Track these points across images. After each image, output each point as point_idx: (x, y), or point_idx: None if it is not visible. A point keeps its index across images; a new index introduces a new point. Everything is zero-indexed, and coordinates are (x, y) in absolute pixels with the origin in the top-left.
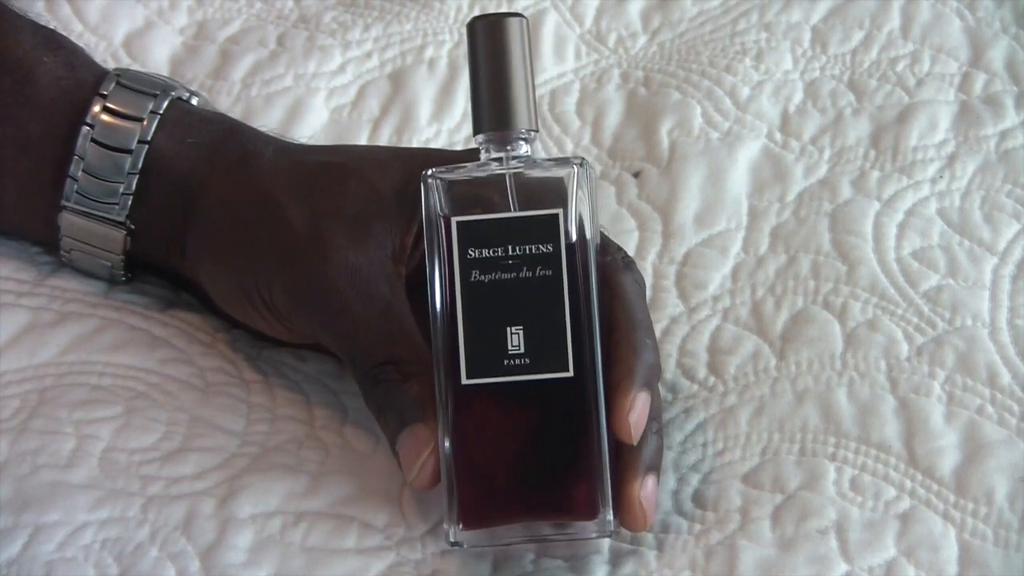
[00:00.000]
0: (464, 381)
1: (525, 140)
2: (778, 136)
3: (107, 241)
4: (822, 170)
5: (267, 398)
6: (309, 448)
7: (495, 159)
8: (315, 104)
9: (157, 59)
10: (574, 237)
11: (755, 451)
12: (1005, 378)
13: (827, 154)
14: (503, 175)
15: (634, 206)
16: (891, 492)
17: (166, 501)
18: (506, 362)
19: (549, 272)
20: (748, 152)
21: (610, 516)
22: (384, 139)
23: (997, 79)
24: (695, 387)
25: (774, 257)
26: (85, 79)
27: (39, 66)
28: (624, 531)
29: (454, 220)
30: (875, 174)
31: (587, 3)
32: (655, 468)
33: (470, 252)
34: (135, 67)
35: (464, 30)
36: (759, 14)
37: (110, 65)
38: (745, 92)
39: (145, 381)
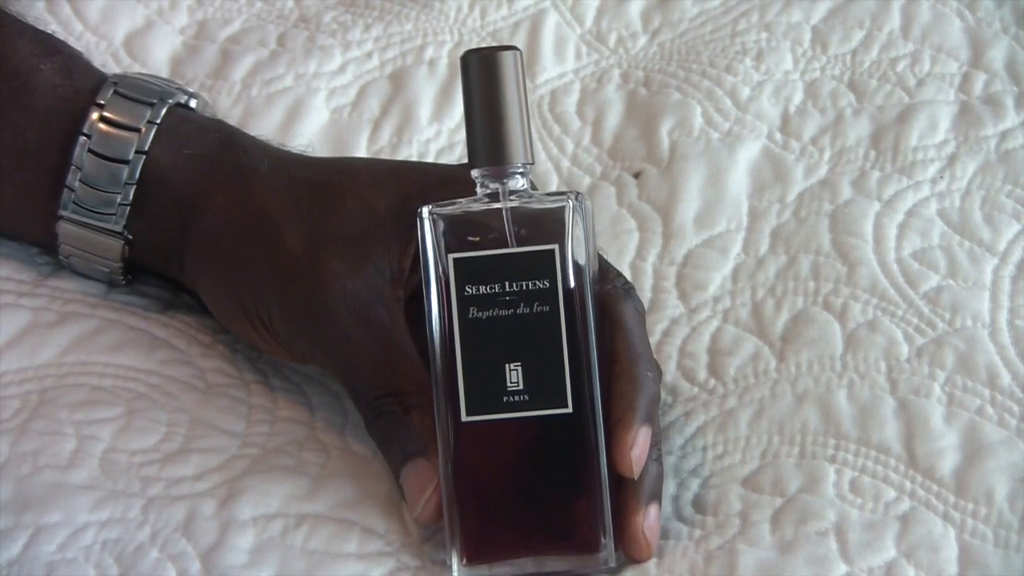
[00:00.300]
0: (464, 419)
1: (521, 174)
2: (778, 136)
3: (105, 250)
4: (822, 170)
5: (268, 400)
6: (310, 450)
7: (490, 194)
8: (315, 104)
9: (157, 59)
10: (571, 272)
11: (755, 454)
12: (1005, 379)
13: (827, 154)
14: (499, 211)
15: (634, 207)
16: (891, 493)
17: (167, 502)
18: (505, 399)
19: (546, 308)
20: (748, 152)
21: (611, 548)
22: (384, 139)
23: (997, 79)
24: (695, 389)
25: (774, 258)
26: (83, 86)
27: (36, 74)
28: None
29: (451, 257)
30: (875, 174)
31: (587, 3)
32: (656, 497)
33: (467, 289)
34: (135, 67)
35: (464, 30)
36: (759, 14)
37: (111, 66)
38: (745, 92)
39: (145, 382)
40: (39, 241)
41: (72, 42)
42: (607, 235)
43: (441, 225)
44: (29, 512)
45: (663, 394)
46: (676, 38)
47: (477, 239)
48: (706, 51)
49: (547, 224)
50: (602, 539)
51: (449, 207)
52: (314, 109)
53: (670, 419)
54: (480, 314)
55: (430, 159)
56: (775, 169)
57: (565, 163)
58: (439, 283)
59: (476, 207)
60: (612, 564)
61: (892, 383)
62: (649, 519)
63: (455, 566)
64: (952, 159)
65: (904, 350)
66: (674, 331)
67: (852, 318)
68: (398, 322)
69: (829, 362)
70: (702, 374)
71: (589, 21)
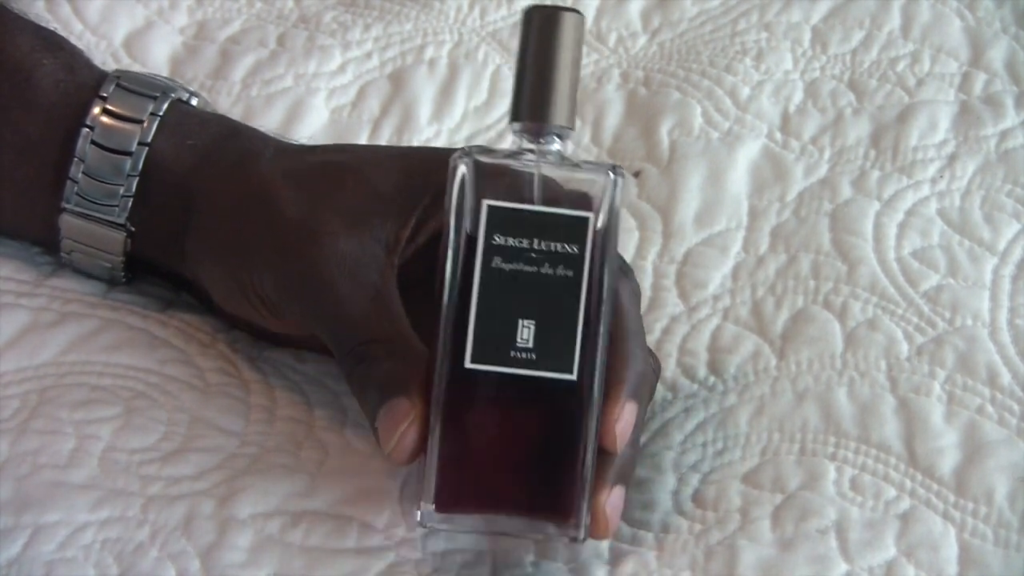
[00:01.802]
0: (467, 365)
1: (559, 136)
2: (778, 136)
3: (107, 243)
4: (822, 170)
5: (267, 398)
6: (309, 448)
7: (527, 149)
8: (315, 104)
9: (157, 59)
10: (599, 244)
11: (755, 451)
12: (1005, 378)
13: (827, 154)
14: (533, 168)
15: (634, 206)
16: (891, 492)
17: (166, 501)
18: (512, 354)
19: (571, 273)
20: (748, 152)
21: (583, 522)
22: (384, 139)
23: (997, 79)
24: (695, 386)
25: (774, 257)
26: (85, 81)
27: (38, 68)
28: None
29: (485, 203)
30: (875, 174)
31: (587, 3)
32: (625, 479)
33: (496, 238)
34: (135, 67)
35: (464, 30)
36: (759, 14)
37: (110, 65)
38: (745, 92)
39: (145, 381)
40: (40, 238)
41: (72, 41)
42: None
43: (474, 168)
44: (29, 511)
45: (663, 391)
46: (676, 38)
47: (508, 188)
48: (706, 51)
49: (578, 192)
50: (575, 511)
51: (487, 153)
52: (314, 109)
53: (670, 415)
54: (504, 265)
55: None
56: (775, 168)
57: None
58: (465, 227)
59: (513, 161)
60: (581, 537)
61: (892, 382)
62: (613, 499)
63: (424, 510)
64: (952, 159)
65: (904, 349)
66: (674, 329)
67: (852, 317)
68: (389, 286)
69: (829, 360)
70: (702, 372)
71: (589, 21)
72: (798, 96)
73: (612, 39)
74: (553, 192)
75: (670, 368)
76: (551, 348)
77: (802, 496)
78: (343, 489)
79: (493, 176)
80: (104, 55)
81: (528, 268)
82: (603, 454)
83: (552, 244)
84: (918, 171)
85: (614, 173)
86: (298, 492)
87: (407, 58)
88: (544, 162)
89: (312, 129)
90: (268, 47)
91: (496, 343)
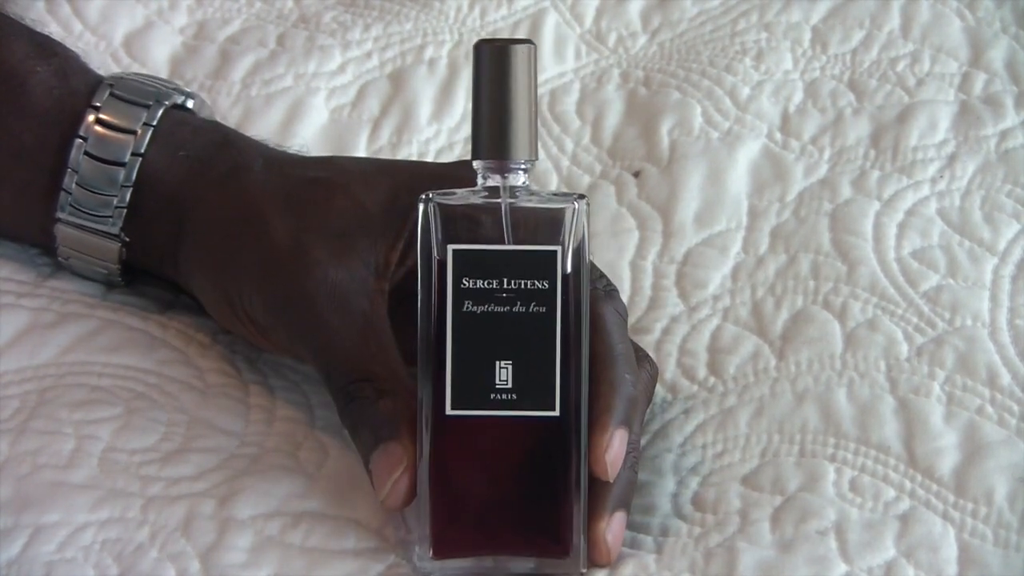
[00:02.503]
0: (448, 412)
1: (524, 170)
2: (778, 136)
3: (102, 252)
4: (822, 170)
5: (267, 399)
6: (308, 449)
7: (491, 188)
8: (315, 104)
9: (157, 59)
10: (570, 275)
11: (755, 452)
12: (1005, 378)
13: (827, 154)
14: (499, 205)
15: (634, 206)
16: (890, 493)
17: (166, 502)
18: (492, 396)
19: (543, 309)
20: (748, 152)
21: (583, 555)
22: (384, 139)
23: (997, 79)
24: (695, 387)
25: (774, 257)
26: (78, 88)
27: (32, 76)
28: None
29: (450, 248)
30: (875, 174)
31: (587, 3)
32: (624, 504)
33: (464, 281)
34: (135, 67)
35: (463, 30)
36: (759, 14)
37: (110, 66)
38: (745, 92)
39: (144, 382)
40: (37, 242)
41: (71, 42)
42: (607, 234)
43: (440, 213)
44: (28, 512)
45: (662, 391)
46: (676, 38)
47: (476, 230)
48: (706, 51)
49: (547, 224)
50: (572, 545)
51: (450, 197)
52: (314, 109)
53: (670, 417)
54: (475, 308)
55: (429, 159)
56: (775, 168)
57: (565, 162)
58: (434, 272)
59: (476, 199)
60: (582, 570)
61: (892, 382)
62: (613, 526)
63: (422, 559)
64: (952, 159)
65: (904, 349)
66: (674, 329)
67: (852, 317)
68: (378, 313)
69: (829, 361)
70: (702, 372)
71: (589, 21)
72: (798, 96)
73: (612, 39)
74: (525, 223)
75: (670, 369)
76: (531, 387)
77: (802, 497)
78: (342, 490)
79: (458, 219)
80: (104, 55)
81: (500, 308)
82: (601, 482)
83: (521, 282)
84: (918, 171)
85: (579, 201)
86: (298, 493)
87: (407, 58)
88: (510, 198)
89: (312, 129)
90: (268, 47)
91: (475, 387)
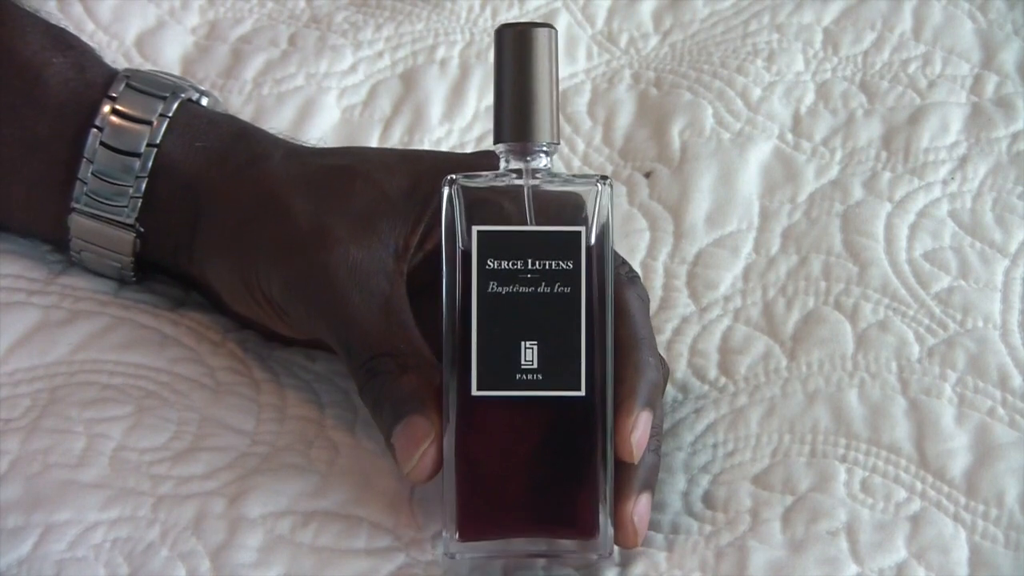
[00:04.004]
0: (474, 392)
1: (546, 153)
2: (789, 137)
3: (116, 243)
4: (833, 171)
5: (277, 397)
6: (319, 448)
7: (514, 170)
8: (327, 103)
9: (169, 58)
10: (594, 255)
11: (765, 452)
12: (1016, 380)
13: (838, 155)
14: (522, 187)
15: (645, 206)
16: (902, 494)
17: (176, 501)
18: (518, 376)
19: (568, 289)
20: (759, 153)
21: (609, 536)
22: (395, 138)
23: (1009, 81)
24: (706, 387)
25: (785, 258)
26: (95, 80)
27: (48, 67)
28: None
29: (475, 229)
30: (886, 175)
31: (599, 4)
32: (650, 486)
33: (489, 262)
34: (147, 66)
35: (475, 30)
36: (771, 15)
37: (122, 65)
38: (757, 93)
39: (155, 380)
40: (50, 237)
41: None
42: (618, 234)
43: (464, 195)
44: (39, 511)
45: (673, 391)
46: (687, 39)
47: (499, 213)
48: (717, 52)
49: (571, 206)
50: (599, 526)
51: (473, 179)
52: (325, 108)
53: (680, 416)
54: (500, 289)
55: None
56: (786, 169)
57: (576, 163)
58: (459, 254)
59: (500, 183)
60: (609, 551)
61: (903, 383)
62: (640, 507)
63: (448, 540)
64: (963, 160)
65: (915, 350)
66: (685, 329)
67: (863, 318)
68: (398, 293)
69: (840, 362)
70: (713, 372)
71: (600, 22)
72: (809, 97)
73: (623, 40)
74: (547, 206)
75: (681, 369)
76: (556, 367)
77: (812, 498)
78: (353, 489)
79: (482, 201)
80: (116, 54)
81: (525, 289)
82: (626, 464)
83: (546, 262)
84: (929, 173)
85: (603, 183)
86: (308, 492)
87: (418, 58)
88: (533, 180)
89: (323, 128)
90: (280, 47)
91: (500, 368)
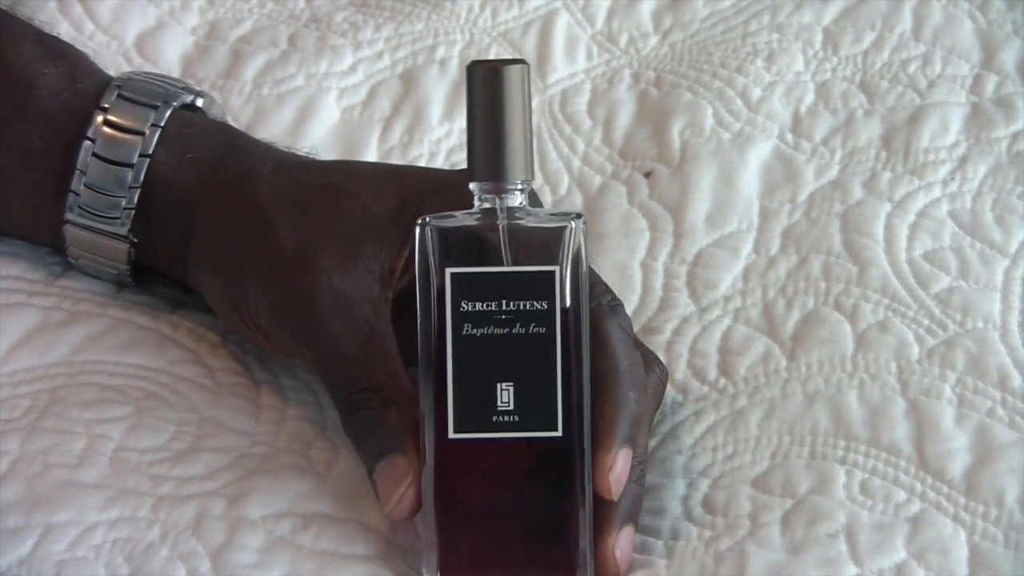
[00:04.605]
0: (451, 435)
1: (520, 191)
2: (789, 137)
3: (112, 252)
4: (833, 171)
5: (277, 399)
6: (319, 449)
7: (488, 208)
8: (326, 104)
9: (168, 59)
10: (568, 295)
11: (765, 455)
12: (1016, 381)
13: (838, 155)
14: (496, 226)
15: (645, 206)
16: (901, 495)
17: (176, 501)
18: (495, 418)
19: (542, 329)
20: (759, 153)
21: (591, 572)
22: (395, 138)
23: (1009, 81)
24: (705, 388)
25: (785, 258)
26: (86, 90)
27: (40, 78)
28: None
29: (448, 271)
30: (886, 175)
31: (598, 3)
32: (632, 519)
33: (463, 304)
34: (147, 67)
35: (475, 30)
36: (771, 15)
37: (122, 66)
38: (756, 93)
39: (155, 381)
40: (48, 242)
41: (83, 42)
42: (618, 234)
43: (437, 236)
44: (39, 511)
45: (673, 392)
46: (687, 39)
47: (474, 251)
48: (717, 52)
49: (544, 244)
50: (579, 565)
51: (447, 219)
52: (325, 108)
53: (680, 418)
54: (475, 331)
55: (441, 157)
56: (786, 169)
57: (576, 162)
58: (433, 296)
59: (473, 221)
60: None
61: (903, 384)
62: (621, 540)
63: None
64: (963, 160)
65: (915, 351)
66: (685, 330)
67: (863, 318)
68: (383, 321)
69: (840, 362)
70: (712, 373)
71: (600, 21)
72: (809, 97)
73: (623, 40)
74: (522, 244)
75: (680, 370)
76: (533, 407)
77: (812, 500)
78: (353, 492)
79: (456, 241)
80: (115, 55)
81: (499, 330)
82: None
83: (520, 303)
84: (929, 173)
85: (576, 220)
86: (308, 494)
87: (418, 58)
88: (506, 219)
89: (323, 128)
90: (279, 47)
91: (477, 410)
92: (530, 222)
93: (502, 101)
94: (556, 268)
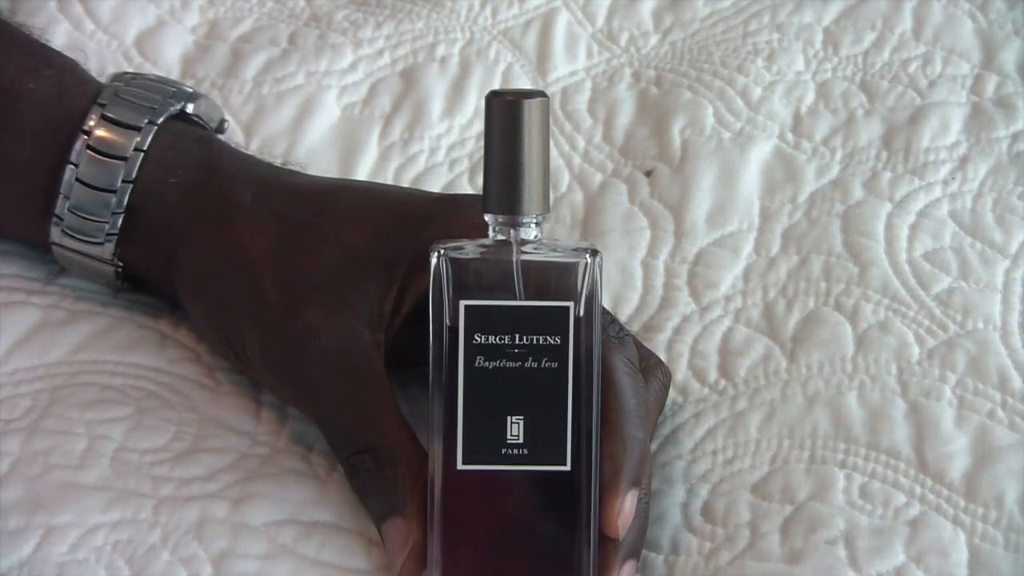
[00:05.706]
0: (459, 467)
1: (536, 224)
2: (790, 137)
3: (99, 273)
4: (834, 171)
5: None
6: (319, 452)
7: (503, 241)
8: (327, 102)
9: (168, 58)
10: (582, 331)
11: (765, 459)
12: (1016, 382)
13: (839, 155)
14: (511, 259)
15: (646, 205)
16: (900, 498)
17: (178, 503)
18: (504, 451)
19: (555, 364)
20: (760, 152)
21: None
22: (395, 136)
23: (1009, 81)
24: (705, 390)
25: (785, 258)
26: (73, 105)
27: (24, 95)
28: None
29: (462, 303)
30: (887, 175)
31: (599, 2)
32: (635, 553)
33: (476, 337)
34: (147, 67)
35: (475, 28)
36: (771, 15)
37: (122, 65)
38: (757, 92)
39: (155, 380)
40: (41, 251)
41: (83, 42)
42: (619, 232)
43: (451, 267)
44: (40, 512)
45: (673, 393)
46: (688, 38)
47: (489, 285)
48: (718, 51)
49: (559, 278)
50: None
51: (461, 251)
52: (325, 106)
53: (680, 421)
54: (487, 364)
55: (441, 154)
56: (787, 169)
57: (577, 160)
58: (446, 328)
59: (488, 254)
60: None
61: (903, 385)
62: (624, 575)
63: None
64: (964, 160)
65: (915, 352)
66: (685, 329)
67: (863, 319)
68: (376, 371)
69: (840, 363)
70: (713, 374)
71: (600, 20)
72: (810, 97)
73: (624, 39)
74: (536, 277)
75: (681, 370)
76: (542, 441)
77: (811, 507)
78: (355, 500)
79: (470, 272)
80: (115, 54)
81: (511, 364)
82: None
83: (533, 337)
84: (930, 173)
85: (592, 257)
86: (311, 500)
87: (418, 56)
88: (521, 253)
89: (323, 127)
90: (280, 45)
91: (486, 442)
92: (545, 255)
93: (520, 135)
94: (571, 304)
